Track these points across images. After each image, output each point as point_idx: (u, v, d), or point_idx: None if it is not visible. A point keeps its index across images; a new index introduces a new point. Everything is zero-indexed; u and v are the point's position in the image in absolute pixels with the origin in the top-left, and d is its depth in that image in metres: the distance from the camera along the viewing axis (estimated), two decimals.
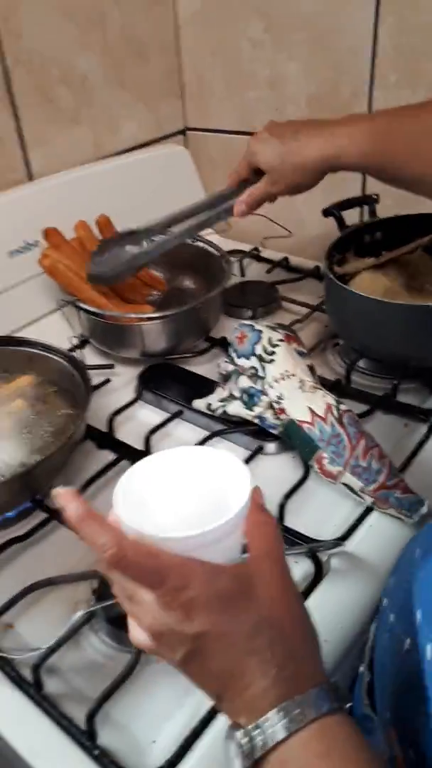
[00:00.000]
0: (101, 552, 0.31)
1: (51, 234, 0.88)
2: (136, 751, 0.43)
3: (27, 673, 0.47)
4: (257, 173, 0.72)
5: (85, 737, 0.43)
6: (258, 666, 0.32)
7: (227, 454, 0.38)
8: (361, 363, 0.77)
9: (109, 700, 0.44)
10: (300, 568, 0.54)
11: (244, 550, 0.36)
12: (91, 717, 0.43)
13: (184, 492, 0.37)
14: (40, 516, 0.60)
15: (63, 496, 0.33)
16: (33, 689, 0.46)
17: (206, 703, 0.44)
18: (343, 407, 0.60)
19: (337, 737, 0.31)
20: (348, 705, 0.33)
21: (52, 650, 0.47)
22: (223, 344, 0.82)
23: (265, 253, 1.05)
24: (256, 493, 0.36)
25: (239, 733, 0.31)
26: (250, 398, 0.66)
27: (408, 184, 0.65)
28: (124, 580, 0.33)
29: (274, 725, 0.30)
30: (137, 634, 0.36)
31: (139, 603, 0.33)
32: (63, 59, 0.92)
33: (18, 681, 0.47)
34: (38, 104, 0.91)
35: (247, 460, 0.65)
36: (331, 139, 0.64)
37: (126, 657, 0.47)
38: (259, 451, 0.66)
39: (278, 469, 0.65)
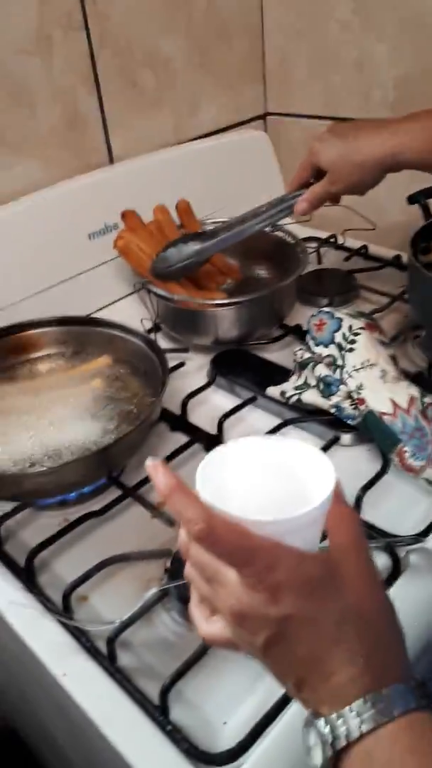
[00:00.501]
0: (190, 525, 0.30)
1: (128, 216, 0.88)
2: (208, 730, 0.43)
3: (101, 645, 0.48)
4: (319, 175, 0.71)
5: (158, 712, 0.43)
6: (345, 654, 0.31)
7: (306, 444, 0.37)
8: None
9: (182, 679, 0.45)
10: (376, 562, 0.52)
11: (322, 541, 0.35)
12: (164, 693, 0.43)
13: (261, 480, 0.37)
14: (115, 492, 0.61)
15: (153, 468, 0.32)
16: (107, 661, 0.47)
17: (278, 689, 0.44)
18: (427, 400, 0.58)
19: (426, 734, 0.30)
20: None
21: (126, 625, 0.48)
22: (298, 332, 0.81)
23: (343, 241, 1.03)
24: (337, 486, 0.35)
25: (321, 722, 0.31)
26: (327, 387, 0.65)
27: None
28: (206, 558, 0.33)
29: (360, 716, 0.30)
30: (206, 626, 0.36)
31: (221, 583, 0.32)
32: (148, 42, 0.93)
33: (93, 652, 0.48)
34: (122, 87, 0.92)
35: (322, 451, 0.63)
36: (391, 137, 0.63)
37: (197, 637, 0.47)
38: (334, 441, 0.65)
39: (354, 460, 0.63)
